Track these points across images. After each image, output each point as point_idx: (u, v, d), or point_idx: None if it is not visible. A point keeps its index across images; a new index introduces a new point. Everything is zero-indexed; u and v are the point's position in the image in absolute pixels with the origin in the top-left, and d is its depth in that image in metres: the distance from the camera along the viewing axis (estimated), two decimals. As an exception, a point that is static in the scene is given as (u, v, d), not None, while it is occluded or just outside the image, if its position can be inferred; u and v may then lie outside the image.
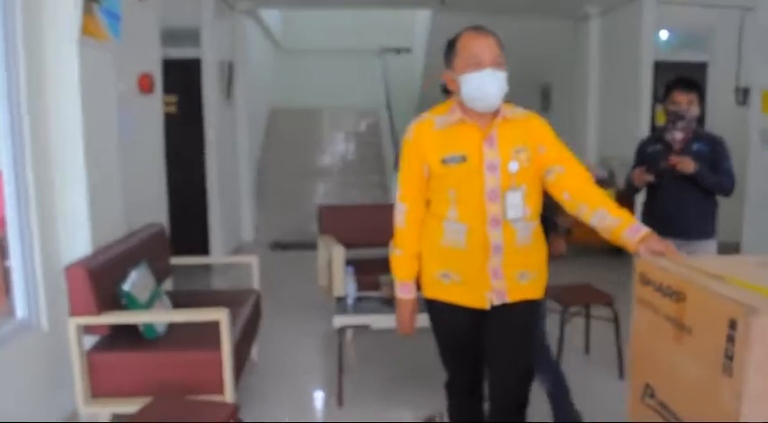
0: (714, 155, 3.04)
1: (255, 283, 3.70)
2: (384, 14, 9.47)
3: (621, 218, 1.80)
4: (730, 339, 1.26)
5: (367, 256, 4.52)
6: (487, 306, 1.94)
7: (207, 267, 5.80)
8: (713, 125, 6.72)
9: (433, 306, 2.06)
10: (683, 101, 2.97)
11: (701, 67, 6.54)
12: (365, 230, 4.57)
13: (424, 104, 9.23)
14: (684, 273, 1.48)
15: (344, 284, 3.44)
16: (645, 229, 1.75)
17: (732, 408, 1.24)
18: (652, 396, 1.60)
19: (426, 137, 1.94)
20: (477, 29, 1.89)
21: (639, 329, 1.66)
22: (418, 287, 2.07)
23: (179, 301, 3.15)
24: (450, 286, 1.97)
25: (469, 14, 7.30)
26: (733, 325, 1.25)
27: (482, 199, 1.88)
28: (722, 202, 3.10)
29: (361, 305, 3.30)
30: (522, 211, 1.90)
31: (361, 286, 3.39)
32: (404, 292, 2.05)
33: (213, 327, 2.56)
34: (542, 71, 8.85)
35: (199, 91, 5.88)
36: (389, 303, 3.30)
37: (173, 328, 2.83)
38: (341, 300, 3.39)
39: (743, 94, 6.65)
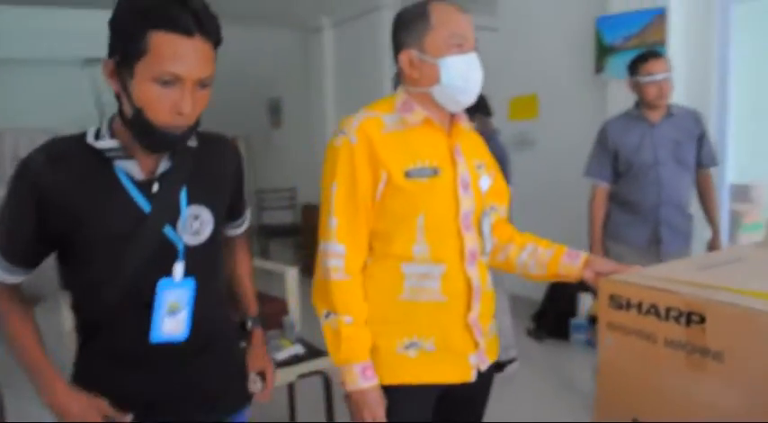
0: None
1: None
2: (92, 18, 8.15)
3: (554, 247, 1.54)
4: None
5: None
6: (473, 377, 1.47)
7: None
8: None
9: (393, 396, 1.44)
10: None
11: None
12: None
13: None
14: (686, 290, 1.28)
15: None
16: (584, 253, 1.53)
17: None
18: (645, 432, 1.39)
19: (378, 140, 1.38)
20: (452, 1, 1.44)
21: (614, 361, 1.43)
22: None
23: None
24: (420, 359, 1.44)
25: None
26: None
27: (458, 227, 1.43)
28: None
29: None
30: (492, 243, 1.53)
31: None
32: (367, 378, 1.40)
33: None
34: (270, 85, 8.56)
35: None
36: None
37: None
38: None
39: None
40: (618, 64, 3.81)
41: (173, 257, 1.25)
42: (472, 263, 1.46)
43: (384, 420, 1.42)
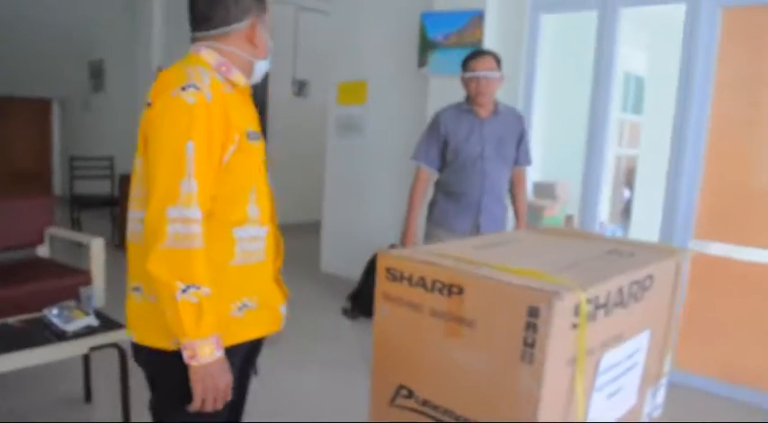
0: None
1: None
2: None
3: None
4: (530, 326, 1.23)
5: None
6: (282, 326, 1.56)
7: None
8: (275, 115, 7.14)
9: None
10: None
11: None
12: None
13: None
14: (448, 263, 1.40)
15: None
16: None
17: (531, 392, 1.22)
18: (409, 396, 1.49)
19: (228, 100, 1.38)
20: None
21: (387, 330, 1.53)
22: None
23: None
24: (246, 318, 1.46)
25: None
26: (533, 312, 1.22)
27: (271, 190, 1.55)
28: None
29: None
30: None
31: None
32: (219, 347, 1.33)
33: None
34: (92, 45, 7.92)
35: None
36: None
37: None
38: None
39: (299, 86, 7.26)
40: (439, 60, 4.01)
41: None
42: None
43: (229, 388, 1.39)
